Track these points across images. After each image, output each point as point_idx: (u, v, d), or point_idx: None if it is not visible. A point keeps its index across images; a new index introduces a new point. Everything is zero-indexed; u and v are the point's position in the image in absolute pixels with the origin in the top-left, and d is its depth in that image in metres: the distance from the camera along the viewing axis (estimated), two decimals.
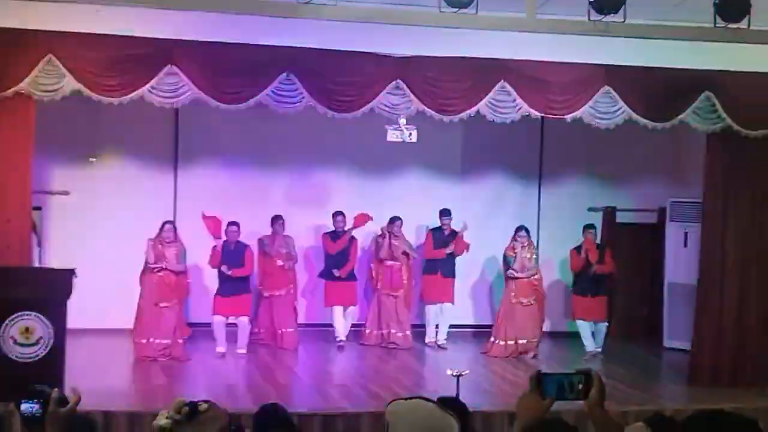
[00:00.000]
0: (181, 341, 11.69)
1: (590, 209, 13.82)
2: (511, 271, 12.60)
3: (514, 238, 12.69)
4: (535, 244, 13.41)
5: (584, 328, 12.78)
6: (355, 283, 13.10)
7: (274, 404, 5.33)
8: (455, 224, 12.99)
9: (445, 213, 13.00)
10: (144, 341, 11.48)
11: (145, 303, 11.63)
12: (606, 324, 12.90)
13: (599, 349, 12.69)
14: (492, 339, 12.63)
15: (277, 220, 12.49)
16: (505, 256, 12.76)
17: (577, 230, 12.89)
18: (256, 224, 12.60)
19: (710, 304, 11.04)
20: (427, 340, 13.07)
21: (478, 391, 10.19)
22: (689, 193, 12.77)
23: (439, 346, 12.96)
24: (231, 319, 12.12)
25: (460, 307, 13.59)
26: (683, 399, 10.51)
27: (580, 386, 2.87)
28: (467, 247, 13.00)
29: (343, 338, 12.90)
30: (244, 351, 11.99)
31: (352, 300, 13.08)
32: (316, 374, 11.51)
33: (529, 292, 12.63)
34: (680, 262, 13.03)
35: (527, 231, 12.80)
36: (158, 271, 11.57)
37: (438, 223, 13.07)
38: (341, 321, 12.95)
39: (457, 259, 13.16)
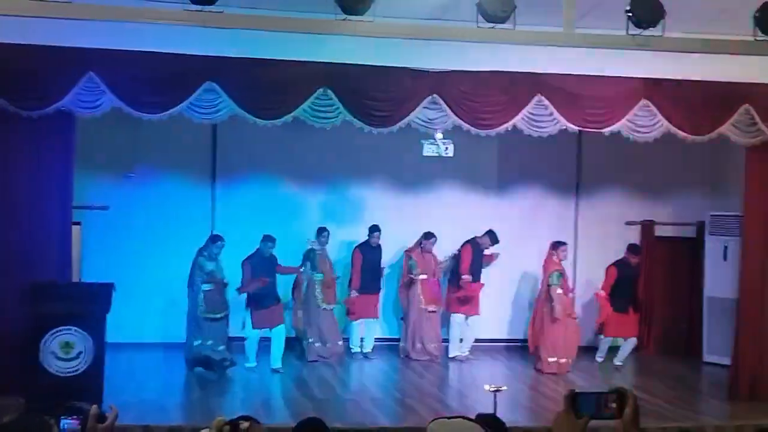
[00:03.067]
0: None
1: (628, 223, 13.72)
2: (559, 291, 12.21)
3: (556, 254, 12.38)
4: (573, 258, 13.33)
5: (606, 343, 12.86)
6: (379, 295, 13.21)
7: (313, 418, 5.33)
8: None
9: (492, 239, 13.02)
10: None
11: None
12: (635, 339, 12.89)
13: (620, 363, 12.76)
14: (548, 357, 12.25)
15: (322, 232, 12.60)
16: (552, 274, 12.25)
17: (615, 244, 12.82)
18: (292, 237, 12.65)
19: (750, 319, 10.93)
20: (451, 354, 13.02)
21: (516, 407, 10.14)
22: (728, 207, 12.65)
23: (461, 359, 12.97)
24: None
25: (495, 320, 13.58)
26: (723, 415, 10.40)
27: (614, 405, 2.86)
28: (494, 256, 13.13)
29: (359, 350, 13.01)
30: (279, 365, 11.99)
31: (376, 312, 13.16)
32: (353, 388, 11.51)
33: (571, 308, 12.53)
34: (720, 276, 12.88)
35: (566, 243, 12.66)
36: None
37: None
38: (359, 334, 13.08)
39: (492, 273, 13.19)
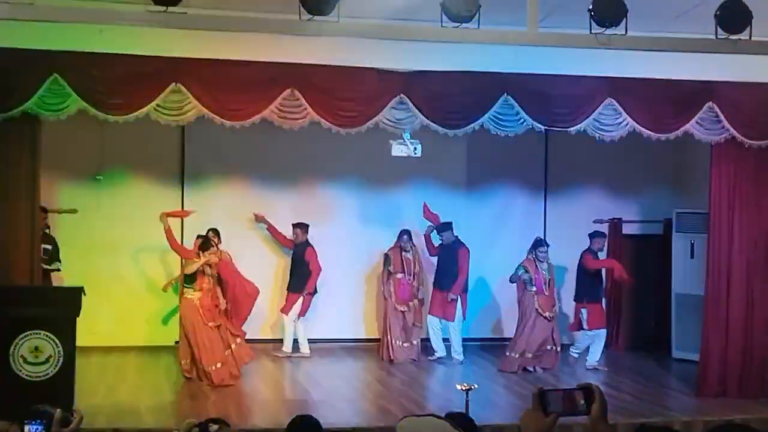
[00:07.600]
0: None
1: (596, 221, 13.81)
2: (533, 290, 12.24)
3: (534, 254, 12.38)
4: None
5: (583, 339, 12.88)
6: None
7: (306, 416, 5.35)
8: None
9: (445, 227, 12.96)
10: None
11: None
12: (604, 331, 12.87)
13: (600, 365, 12.69)
14: (511, 354, 12.32)
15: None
16: (520, 270, 12.33)
17: (582, 242, 12.86)
18: (261, 238, 12.64)
19: (717, 315, 11.02)
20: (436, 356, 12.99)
21: (487, 405, 10.17)
22: (695, 204, 12.76)
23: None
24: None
25: (467, 320, 13.61)
26: (691, 410, 10.48)
27: (582, 401, 2.88)
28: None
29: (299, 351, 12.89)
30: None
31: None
32: (326, 389, 11.51)
33: (550, 306, 12.51)
34: (687, 273, 12.99)
35: (548, 245, 12.58)
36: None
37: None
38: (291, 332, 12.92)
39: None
